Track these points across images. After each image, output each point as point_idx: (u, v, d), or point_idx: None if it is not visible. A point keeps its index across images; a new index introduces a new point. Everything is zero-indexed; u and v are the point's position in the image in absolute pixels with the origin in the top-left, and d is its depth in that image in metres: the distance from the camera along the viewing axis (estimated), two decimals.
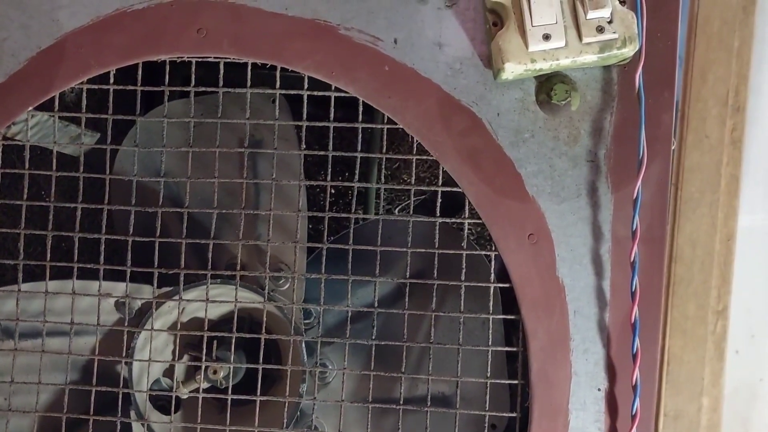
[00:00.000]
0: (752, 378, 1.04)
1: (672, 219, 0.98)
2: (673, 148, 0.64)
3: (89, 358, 0.64)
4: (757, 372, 1.03)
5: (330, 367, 0.71)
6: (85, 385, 0.63)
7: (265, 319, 0.63)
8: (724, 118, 1.02)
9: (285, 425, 0.63)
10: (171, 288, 0.65)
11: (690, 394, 0.99)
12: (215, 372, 0.66)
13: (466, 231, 0.61)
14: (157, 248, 0.63)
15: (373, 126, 0.63)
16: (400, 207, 0.89)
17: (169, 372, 0.70)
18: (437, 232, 0.61)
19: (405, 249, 0.61)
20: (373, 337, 0.62)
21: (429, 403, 0.60)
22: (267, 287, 0.64)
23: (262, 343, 0.63)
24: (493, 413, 0.60)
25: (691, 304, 1.03)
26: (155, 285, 0.64)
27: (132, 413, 0.65)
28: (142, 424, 0.65)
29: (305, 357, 0.65)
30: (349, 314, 0.62)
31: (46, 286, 0.64)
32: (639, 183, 0.58)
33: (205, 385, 0.67)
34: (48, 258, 0.64)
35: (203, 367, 0.64)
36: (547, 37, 0.56)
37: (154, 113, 0.67)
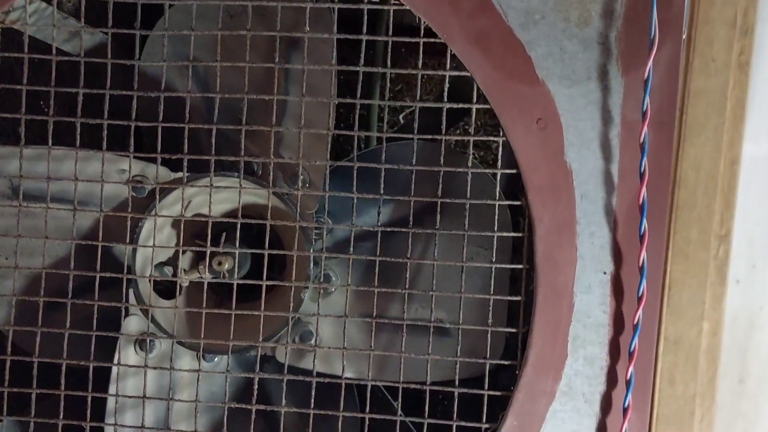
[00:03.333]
0: (752, 307, 1.05)
1: (676, 144, 0.97)
2: (684, 36, 0.64)
3: (91, 229, 0.64)
4: (758, 301, 1.03)
5: (334, 278, 0.70)
6: (88, 270, 0.63)
7: (270, 205, 0.63)
8: (731, 41, 1.01)
9: (291, 309, 0.63)
10: (177, 175, 0.64)
11: (691, 319, 0.99)
12: (220, 263, 0.66)
13: (473, 117, 0.60)
14: (159, 134, 0.62)
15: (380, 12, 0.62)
16: (404, 114, 0.88)
17: (172, 262, 0.69)
18: (444, 119, 0.60)
19: (412, 137, 0.60)
20: (379, 224, 0.62)
21: (431, 321, 0.60)
22: (272, 174, 0.63)
23: (268, 229, 0.62)
24: (498, 296, 0.60)
25: (693, 228, 1.02)
26: (157, 171, 0.63)
27: (131, 295, 0.64)
28: (145, 310, 0.65)
29: (310, 243, 0.65)
30: (355, 201, 0.61)
31: (47, 187, 0.63)
32: (650, 63, 0.57)
33: (208, 277, 0.66)
34: (49, 143, 0.63)
35: (208, 254, 0.64)
36: None
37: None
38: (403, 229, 0.61)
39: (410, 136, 0.60)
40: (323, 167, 0.64)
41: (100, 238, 0.63)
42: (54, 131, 0.63)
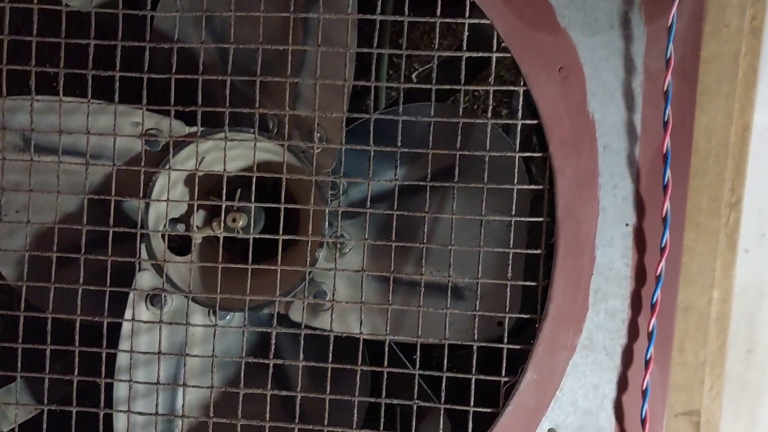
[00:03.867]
0: (761, 277, 1.04)
1: None
2: None
3: (102, 185, 0.63)
4: (767, 271, 1.03)
5: (348, 238, 0.69)
6: (101, 225, 0.62)
7: (285, 159, 0.62)
8: (744, 7, 0.99)
9: (309, 263, 0.62)
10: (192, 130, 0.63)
11: (701, 287, 0.98)
12: (234, 220, 0.65)
13: (493, 65, 0.59)
14: (173, 86, 0.61)
15: None
16: (418, 72, 0.87)
17: (185, 219, 0.68)
18: (463, 67, 0.59)
19: (429, 86, 0.59)
20: (396, 177, 0.61)
21: (449, 276, 0.59)
22: (287, 127, 0.62)
23: (284, 183, 0.61)
24: (517, 251, 0.59)
25: (704, 196, 1.01)
26: (171, 124, 0.62)
27: (143, 250, 0.64)
28: (157, 266, 0.64)
29: (327, 196, 0.64)
30: (372, 154, 0.60)
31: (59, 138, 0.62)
32: (674, 10, 0.56)
33: (222, 233, 0.65)
34: (60, 95, 0.62)
35: (223, 208, 0.63)
36: None
37: None
38: (421, 183, 0.61)
39: (428, 86, 0.59)
40: (339, 124, 0.63)
41: (113, 193, 0.62)
42: (63, 90, 0.62)
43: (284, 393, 0.62)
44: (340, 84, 0.60)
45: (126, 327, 0.64)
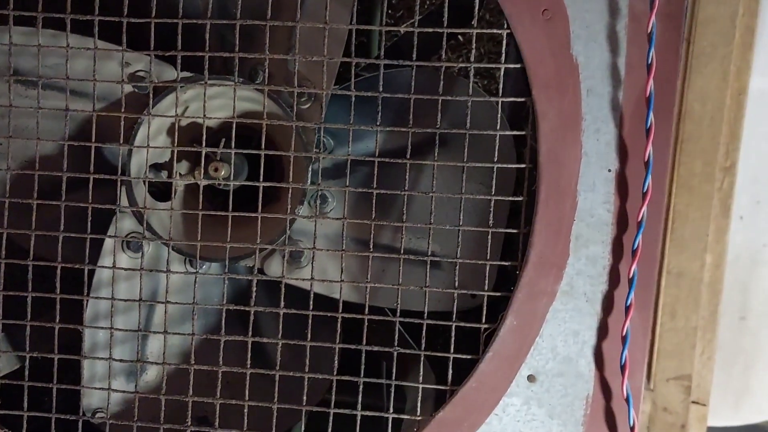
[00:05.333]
0: (755, 244, 1.03)
1: (682, 75, 0.95)
2: None
3: (86, 120, 0.63)
4: (761, 238, 1.02)
5: (330, 199, 0.68)
6: (82, 172, 0.62)
7: (265, 103, 0.61)
8: None
9: (289, 210, 0.61)
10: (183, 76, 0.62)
11: (694, 252, 0.97)
12: (216, 170, 0.65)
13: (477, 6, 0.58)
14: (152, 29, 0.60)
15: None
16: (406, 24, 0.86)
17: (168, 167, 0.68)
18: (446, 9, 0.58)
19: (413, 29, 0.59)
20: (378, 123, 0.60)
21: (431, 223, 0.58)
22: (266, 71, 0.61)
23: (264, 128, 0.61)
24: (499, 197, 0.59)
25: (698, 161, 1.00)
26: (151, 68, 0.62)
27: (123, 194, 0.63)
28: (140, 212, 0.64)
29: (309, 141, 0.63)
30: (353, 98, 0.60)
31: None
32: None
33: (204, 181, 0.65)
34: (38, 41, 0.62)
35: (203, 155, 0.63)
36: None
37: None
38: (403, 129, 0.60)
39: (411, 29, 0.58)
40: (328, 78, 0.62)
41: (93, 139, 0.62)
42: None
43: (264, 340, 0.61)
44: (321, 26, 0.59)
45: (105, 274, 0.64)
